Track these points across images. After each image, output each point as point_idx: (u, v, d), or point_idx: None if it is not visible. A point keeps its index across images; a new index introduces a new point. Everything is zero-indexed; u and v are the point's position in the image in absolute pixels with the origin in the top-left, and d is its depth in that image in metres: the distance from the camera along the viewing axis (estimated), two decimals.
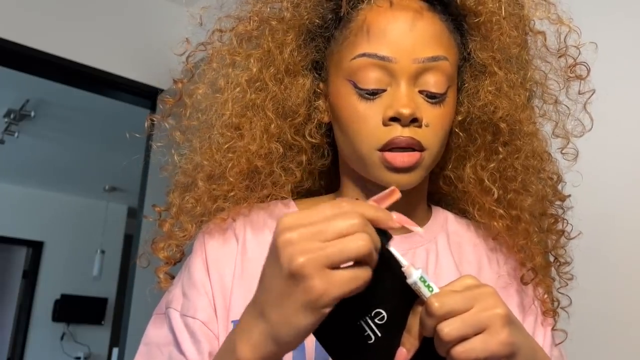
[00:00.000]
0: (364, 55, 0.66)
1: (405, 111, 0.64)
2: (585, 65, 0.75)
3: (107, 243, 5.56)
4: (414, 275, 0.49)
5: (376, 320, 0.50)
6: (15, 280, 5.61)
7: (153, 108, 2.61)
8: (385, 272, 0.49)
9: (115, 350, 2.83)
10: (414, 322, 0.50)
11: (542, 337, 0.73)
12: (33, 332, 5.39)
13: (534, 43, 0.76)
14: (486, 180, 0.73)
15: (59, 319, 5.45)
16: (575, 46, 0.75)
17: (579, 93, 0.75)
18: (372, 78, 0.66)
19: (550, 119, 0.77)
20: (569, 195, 0.82)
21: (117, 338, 2.58)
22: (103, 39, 2.49)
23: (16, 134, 4.11)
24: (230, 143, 0.71)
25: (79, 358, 5.48)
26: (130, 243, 4.52)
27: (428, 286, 0.49)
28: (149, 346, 0.70)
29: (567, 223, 0.80)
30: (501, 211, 0.73)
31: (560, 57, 0.75)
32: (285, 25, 0.72)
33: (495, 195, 0.73)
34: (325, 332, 0.50)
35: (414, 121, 0.65)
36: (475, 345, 0.48)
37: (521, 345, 0.51)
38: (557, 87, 0.76)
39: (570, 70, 0.75)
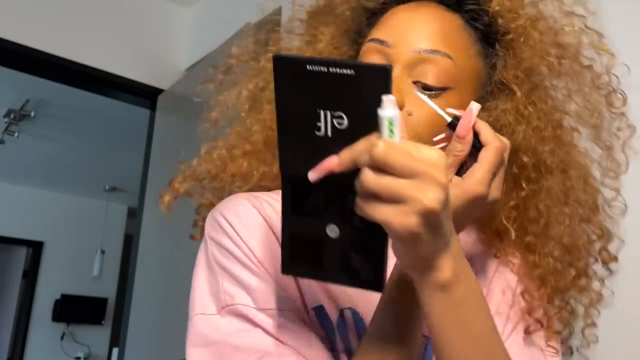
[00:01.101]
0: (370, 41, 0.69)
1: None
2: (621, 94, 0.71)
3: (107, 243, 5.56)
4: (386, 112, 0.44)
5: (335, 121, 0.46)
6: (15, 280, 5.60)
7: (153, 108, 2.61)
8: (369, 90, 0.45)
9: (115, 350, 2.83)
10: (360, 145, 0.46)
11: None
12: (33, 332, 5.39)
13: (579, 76, 0.72)
14: (503, 219, 0.69)
15: (59, 319, 5.44)
16: (614, 74, 0.71)
17: (618, 130, 0.71)
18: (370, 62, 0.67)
19: (592, 161, 0.72)
20: (616, 258, 0.71)
21: (117, 338, 2.58)
22: (103, 39, 2.49)
23: (16, 134, 4.10)
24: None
25: (79, 358, 5.47)
26: (130, 243, 4.51)
27: (391, 130, 0.44)
28: (212, 347, 0.61)
29: (604, 285, 0.71)
30: (517, 253, 0.70)
31: (607, 94, 0.71)
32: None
33: (512, 237, 0.69)
34: (285, 111, 0.48)
35: None
36: (384, 211, 0.44)
37: (430, 249, 0.47)
38: (601, 124, 0.71)
39: (611, 104, 0.71)
